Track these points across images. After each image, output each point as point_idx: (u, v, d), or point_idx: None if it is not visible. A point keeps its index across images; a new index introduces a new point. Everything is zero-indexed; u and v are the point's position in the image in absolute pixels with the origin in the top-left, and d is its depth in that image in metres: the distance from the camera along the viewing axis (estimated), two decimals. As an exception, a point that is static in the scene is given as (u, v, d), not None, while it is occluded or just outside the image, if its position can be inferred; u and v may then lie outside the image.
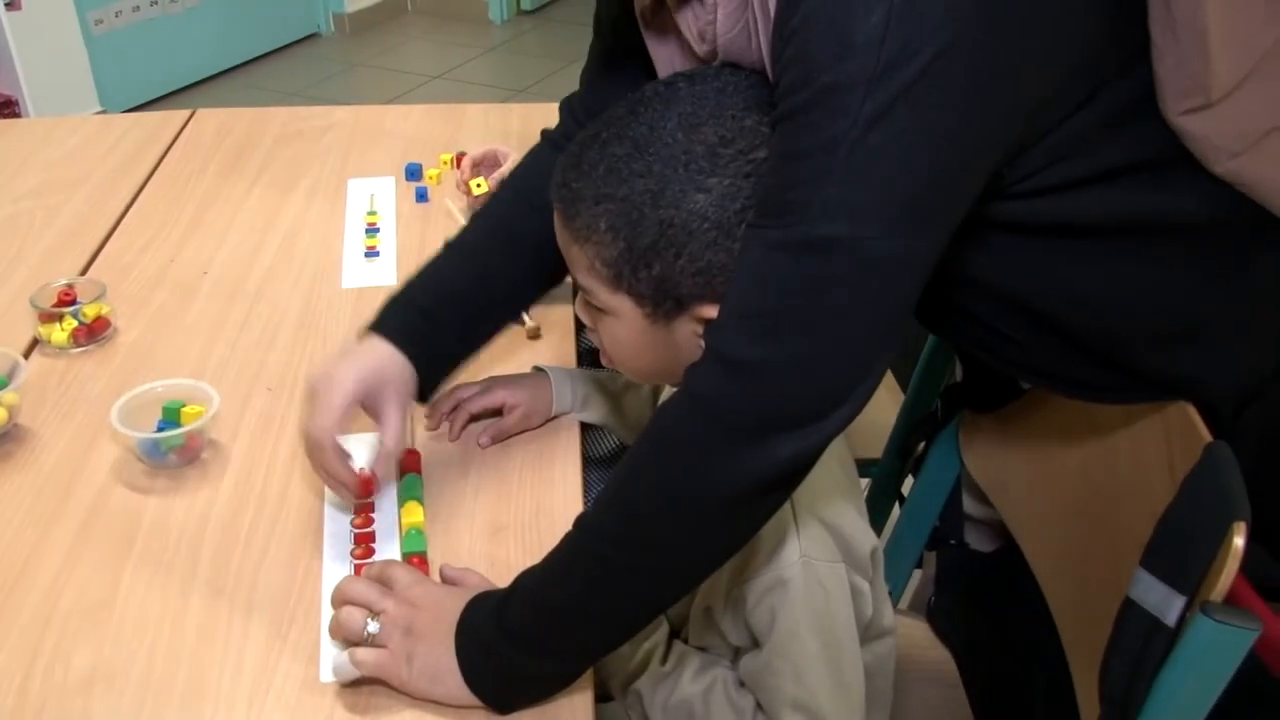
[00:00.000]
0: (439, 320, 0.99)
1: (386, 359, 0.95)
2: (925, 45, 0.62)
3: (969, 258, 0.77)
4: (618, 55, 0.95)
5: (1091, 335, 0.81)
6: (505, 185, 1.07)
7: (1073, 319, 0.80)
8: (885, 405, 1.38)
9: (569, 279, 0.94)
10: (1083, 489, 0.95)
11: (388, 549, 0.94)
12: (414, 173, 1.58)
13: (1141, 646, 0.75)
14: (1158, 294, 0.79)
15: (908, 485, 1.27)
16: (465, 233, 1.04)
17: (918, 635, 1.22)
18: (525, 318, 1.22)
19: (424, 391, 1.00)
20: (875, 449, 1.42)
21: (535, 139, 1.73)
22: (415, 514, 0.96)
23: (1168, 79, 0.71)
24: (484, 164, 1.49)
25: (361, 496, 0.96)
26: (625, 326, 0.81)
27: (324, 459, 0.92)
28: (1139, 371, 0.83)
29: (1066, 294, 0.79)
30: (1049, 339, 0.82)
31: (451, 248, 1.03)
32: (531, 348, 1.21)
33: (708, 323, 0.75)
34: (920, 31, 0.62)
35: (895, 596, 1.25)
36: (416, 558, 0.91)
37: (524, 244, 0.98)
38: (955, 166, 0.67)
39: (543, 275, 0.87)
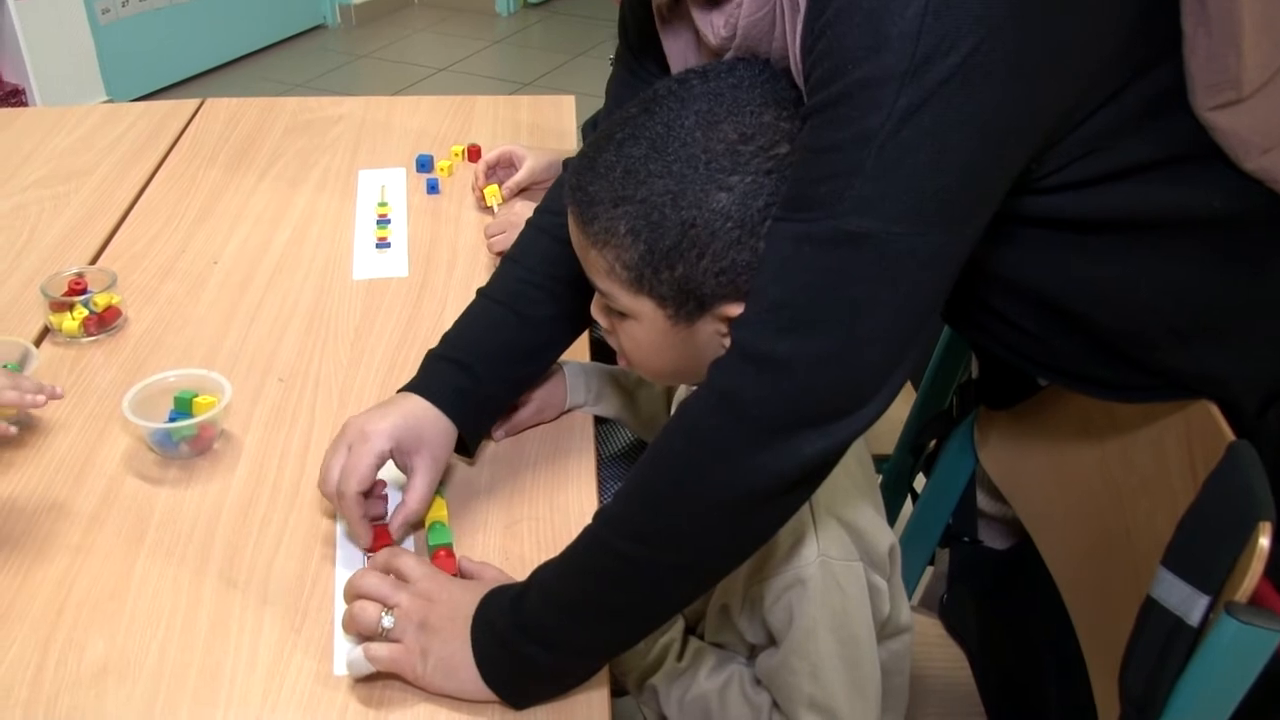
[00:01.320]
0: (484, 376, 0.98)
1: (426, 420, 0.94)
2: (961, 40, 0.61)
3: (994, 253, 0.76)
4: (645, 60, 0.93)
5: (1115, 333, 0.81)
6: (530, 224, 1.05)
7: (1097, 315, 0.80)
8: (898, 401, 1.37)
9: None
10: (1101, 487, 0.95)
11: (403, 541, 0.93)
12: (425, 164, 1.58)
13: (1163, 646, 0.75)
14: (1183, 290, 0.78)
15: (919, 482, 1.26)
16: (497, 280, 1.03)
17: (930, 632, 1.22)
18: None
19: (469, 445, 1.00)
20: (887, 445, 1.42)
21: (544, 132, 1.75)
22: (439, 508, 0.95)
23: (1199, 73, 0.70)
24: (499, 166, 1.48)
25: (373, 549, 0.91)
26: (646, 329, 0.80)
27: (342, 507, 0.91)
28: (1162, 370, 0.82)
29: (1091, 290, 0.79)
30: (1073, 336, 0.82)
31: (487, 297, 1.02)
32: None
33: (731, 320, 0.74)
34: (956, 26, 0.61)
35: (907, 593, 1.24)
36: (444, 550, 0.90)
37: (560, 285, 0.97)
38: (987, 162, 0.66)
39: (583, 309, 0.85)
